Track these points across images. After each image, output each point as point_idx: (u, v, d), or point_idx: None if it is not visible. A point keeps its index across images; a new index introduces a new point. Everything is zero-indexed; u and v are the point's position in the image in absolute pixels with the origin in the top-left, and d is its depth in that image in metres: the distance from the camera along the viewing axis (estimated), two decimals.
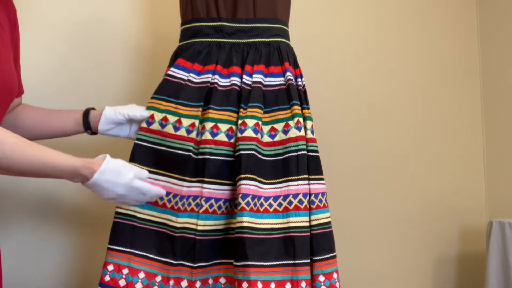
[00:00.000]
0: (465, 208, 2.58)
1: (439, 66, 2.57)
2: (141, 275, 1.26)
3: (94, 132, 1.41)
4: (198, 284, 1.28)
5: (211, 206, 1.29)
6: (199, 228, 1.28)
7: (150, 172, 1.31)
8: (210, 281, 1.30)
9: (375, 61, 2.39)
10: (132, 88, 1.85)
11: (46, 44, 1.74)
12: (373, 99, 2.36)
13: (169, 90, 1.36)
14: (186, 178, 1.31)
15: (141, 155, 1.32)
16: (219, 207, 1.30)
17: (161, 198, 1.30)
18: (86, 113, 1.40)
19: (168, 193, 1.30)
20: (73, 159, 1.17)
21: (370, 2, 2.41)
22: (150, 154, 1.32)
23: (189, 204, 1.29)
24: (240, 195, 1.25)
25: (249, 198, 1.25)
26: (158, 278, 1.27)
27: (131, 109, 1.37)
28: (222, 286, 1.30)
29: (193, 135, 1.32)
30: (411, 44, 2.50)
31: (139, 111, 1.35)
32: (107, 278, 1.26)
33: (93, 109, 1.42)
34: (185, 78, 1.36)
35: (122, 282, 1.25)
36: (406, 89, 2.46)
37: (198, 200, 1.29)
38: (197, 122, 1.32)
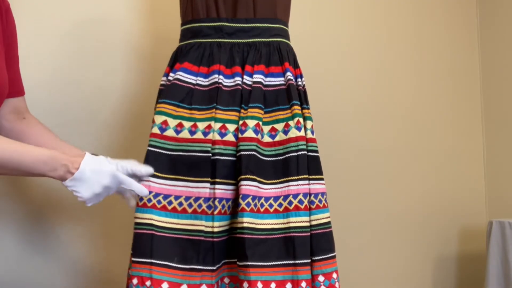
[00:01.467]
0: (465, 208, 2.58)
1: (439, 66, 2.57)
2: (165, 285, 1.23)
3: None
4: (215, 287, 1.28)
5: (223, 207, 1.29)
6: (216, 229, 1.27)
7: (166, 179, 1.28)
8: (219, 282, 1.30)
9: (375, 61, 2.39)
10: (132, 88, 1.85)
11: (46, 44, 1.74)
12: (373, 99, 2.36)
13: (179, 95, 1.34)
14: (210, 179, 1.28)
15: (155, 161, 1.29)
16: (229, 207, 1.30)
17: (180, 204, 1.27)
18: None
19: (188, 198, 1.28)
20: (53, 150, 1.13)
21: (370, 2, 2.41)
22: (164, 161, 1.30)
23: (200, 206, 1.28)
24: (241, 196, 1.25)
25: (249, 199, 1.25)
26: (184, 287, 1.24)
27: (134, 164, 1.25)
28: (227, 286, 1.30)
29: (210, 136, 1.31)
30: (411, 44, 2.49)
31: (143, 167, 1.25)
32: None
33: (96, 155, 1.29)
34: (194, 82, 1.36)
35: None
36: (406, 89, 2.46)
37: (210, 202, 1.28)
38: (212, 123, 1.31)
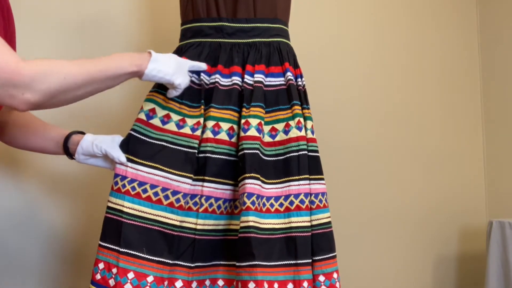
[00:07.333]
0: (465, 208, 2.58)
1: (439, 66, 2.58)
2: (131, 275, 1.21)
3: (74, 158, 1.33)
4: (194, 284, 1.26)
5: (211, 205, 1.28)
6: (199, 227, 1.26)
7: (146, 166, 1.26)
8: (207, 283, 1.29)
9: (374, 61, 2.39)
10: (131, 88, 1.85)
11: (46, 43, 1.74)
12: (373, 99, 2.36)
13: None
14: (192, 176, 1.28)
15: (136, 147, 1.27)
16: (219, 207, 1.29)
17: (156, 194, 1.25)
18: (68, 137, 1.32)
19: (165, 189, 1.26)
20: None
21: (370, 2, 2.41)
22: (146, 148, 1.28)
23: (187, 203, 1.27)
24: (246, 194, 1.24)
25: (254, 198, 1.24)
26: (150, 278, 1.22)
27: (111, 147, 1.27)
28: None
29: (198, 133, 1.30)
30: (411, 44, 2.50)
31: (117, 154, 1.27)
32: (98, 276, 1.22)
33: (81, 133, 1.34)
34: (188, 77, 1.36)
35: (111, 282, 1.20)
36: (406, 89, 2.46)
37: (196, 199, 1.27)
38: (202, 120, 1.31)
